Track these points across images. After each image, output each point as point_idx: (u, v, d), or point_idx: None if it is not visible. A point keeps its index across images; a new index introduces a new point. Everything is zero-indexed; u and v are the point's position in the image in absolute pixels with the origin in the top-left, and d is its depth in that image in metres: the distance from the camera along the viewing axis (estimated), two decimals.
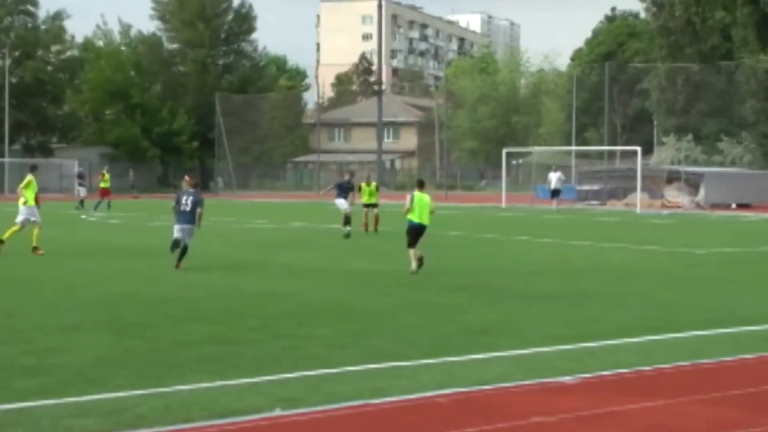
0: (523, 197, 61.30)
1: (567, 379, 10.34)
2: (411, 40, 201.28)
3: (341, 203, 32.78)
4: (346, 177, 36.39)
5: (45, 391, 9.61)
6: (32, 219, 24.79)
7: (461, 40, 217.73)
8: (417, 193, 21.18)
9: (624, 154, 74.06)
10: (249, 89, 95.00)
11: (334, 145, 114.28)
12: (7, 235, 24.71)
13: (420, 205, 21.04)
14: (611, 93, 75.76)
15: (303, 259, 24.02)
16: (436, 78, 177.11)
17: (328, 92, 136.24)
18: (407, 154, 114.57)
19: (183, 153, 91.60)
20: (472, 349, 11.91)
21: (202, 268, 21.62)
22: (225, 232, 33.45)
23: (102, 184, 51.05)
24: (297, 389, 9.80)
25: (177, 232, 21.53)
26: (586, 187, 63.71)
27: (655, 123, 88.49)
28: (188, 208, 21.54)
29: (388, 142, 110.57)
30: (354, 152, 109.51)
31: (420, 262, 20.72)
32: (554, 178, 54.45)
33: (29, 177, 25.10)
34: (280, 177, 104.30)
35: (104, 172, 52.44)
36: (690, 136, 79.45)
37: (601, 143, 76.20)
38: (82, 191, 55.41)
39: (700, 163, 72.00)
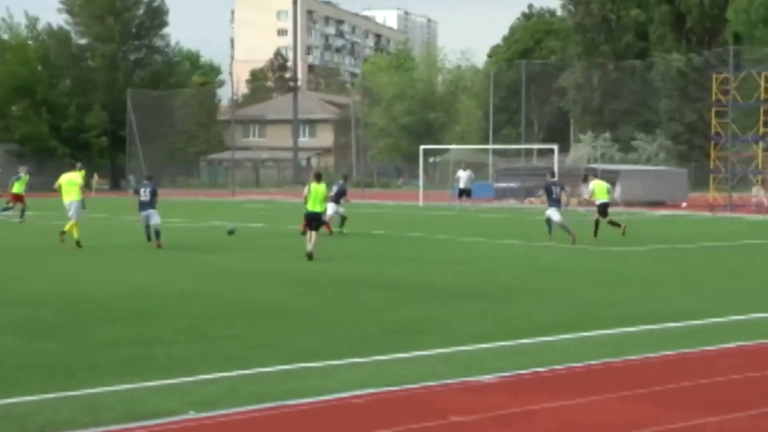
0: (441, 195, 61.32)
1: (489, 377, 10.19)
2: (327, 36, 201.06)
3: (330, 207, 30.15)
4: (339, 182, 33.08)
5: None
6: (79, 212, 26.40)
7: (378, 36, 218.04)
8: (314, 185, 23.48)
9: (541, 151, 74.69)
10: (161, 85, 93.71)
11: (249, 141, 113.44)
12: (67, 227, 26.07)
13: (314, 195, 23.30)
14: (528, 91, 76.24)
15: (223, 259, 23.65)
16: (353, 74, 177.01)
17: (243, 88, 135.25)
18: (324, 152, 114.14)
19: (93, 150, 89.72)
20: (396, 348, 11.70)
21: (121, 267, 21.39)
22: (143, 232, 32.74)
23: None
24: (213, 391, 9.52)
25: (143, 219, 26.18)
26: (503, 185, 63.83)
27: (572, 121, 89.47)
28: (147, 198, 26.03)
29: (304, 139, 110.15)
30: (269, 149, 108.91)
31: (309, 256, 22.17)
32: (464, 176, 51.17)
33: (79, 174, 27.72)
34: (194, 174, 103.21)
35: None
36: (607, 134, 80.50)
37: (519, 141, 76.47)
38: None
39: (616, 161, 72.84)
